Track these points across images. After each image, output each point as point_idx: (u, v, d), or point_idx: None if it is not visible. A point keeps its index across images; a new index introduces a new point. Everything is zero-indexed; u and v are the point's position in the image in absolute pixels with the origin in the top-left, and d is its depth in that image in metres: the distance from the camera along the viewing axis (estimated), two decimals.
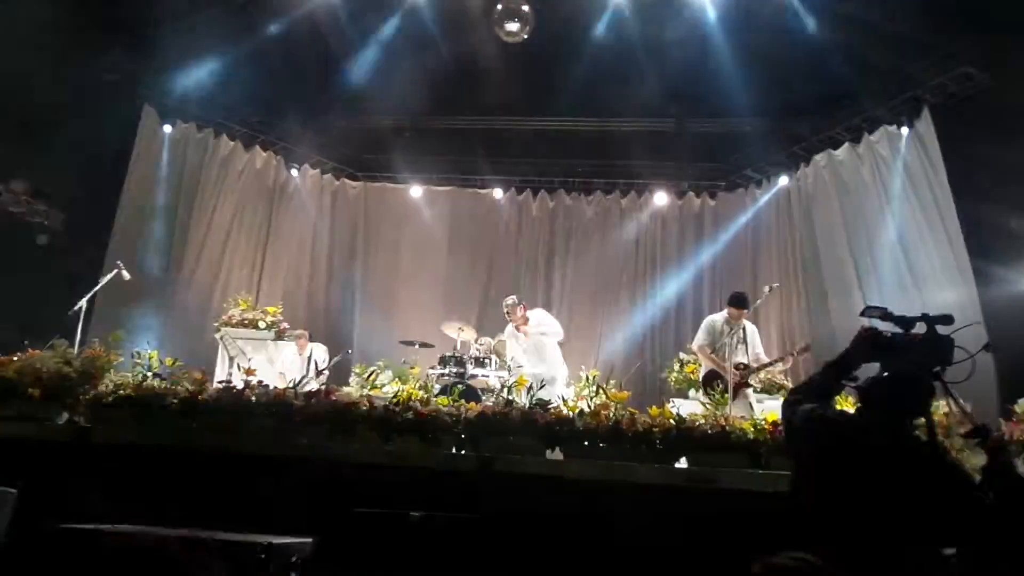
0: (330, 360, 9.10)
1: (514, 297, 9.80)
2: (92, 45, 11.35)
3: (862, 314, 3.63)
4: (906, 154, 11.16)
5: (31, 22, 9.76)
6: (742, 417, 6.33)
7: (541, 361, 9.13)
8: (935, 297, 10.30)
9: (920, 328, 3.31)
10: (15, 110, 10.30)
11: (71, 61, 10.94)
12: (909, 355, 3.15)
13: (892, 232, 11.05)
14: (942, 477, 2.76)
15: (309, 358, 9.01)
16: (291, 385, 6.54)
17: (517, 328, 9.45)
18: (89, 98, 11.75)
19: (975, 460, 5.93)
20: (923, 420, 3.03)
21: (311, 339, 10.58)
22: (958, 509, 2.70)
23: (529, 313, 9.63)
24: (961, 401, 3.43)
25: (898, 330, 3.34)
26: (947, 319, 3.33)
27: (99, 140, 11.76)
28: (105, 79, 12.02)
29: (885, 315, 3.50)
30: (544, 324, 9.52)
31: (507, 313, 9.58)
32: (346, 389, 7.56)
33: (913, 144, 11.09)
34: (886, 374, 3.08)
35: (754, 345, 8.06)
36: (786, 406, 3.34)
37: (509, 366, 9.44)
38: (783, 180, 13.22)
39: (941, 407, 6.04)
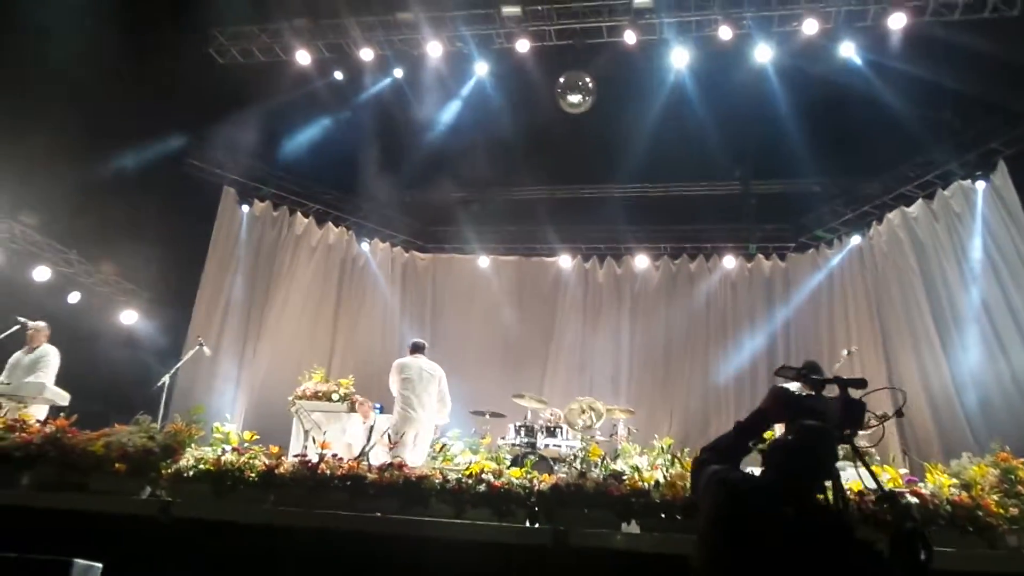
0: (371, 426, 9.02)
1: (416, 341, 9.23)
2: (175, 131, 12.05)
3: (776, 374, 3.51)
4: (983, 209, 10.86)
5: (117, 110, 10.42)
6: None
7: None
8: (1022, 358, 9.86)
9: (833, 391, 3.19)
10: (104, 194, 10.91)
11: (156, 146, 11.61)
12: (821, 418, 3.01)
13: (973, 291, 10.67)
14: (844, 544, 2.63)
15: (371, 428, 8.99)
16: (357, 456, 6.58)
17: None
18: (173, 181, 12.42)
19: None
20: (830, 484, 2.89)
21: (383, 411, 10.67)
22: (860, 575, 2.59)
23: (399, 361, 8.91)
24: (869, 465, 3.28)
25: (811, 392, 3.22)
26: (860, 382, 3.19)
27: (182, 221, 12.37)
28: (187, 164, 12.71)
29: (799, 375, 3.40)
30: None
31: None
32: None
33: (990, 198, 10.79)
34: (791, 437, 2.93)
35: None
36: (695, 465, 3.20)
37: (580, 435, 9.35)
38: (855, 239, 12.96)
39: (1019, 470, 5.74)
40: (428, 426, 8.51)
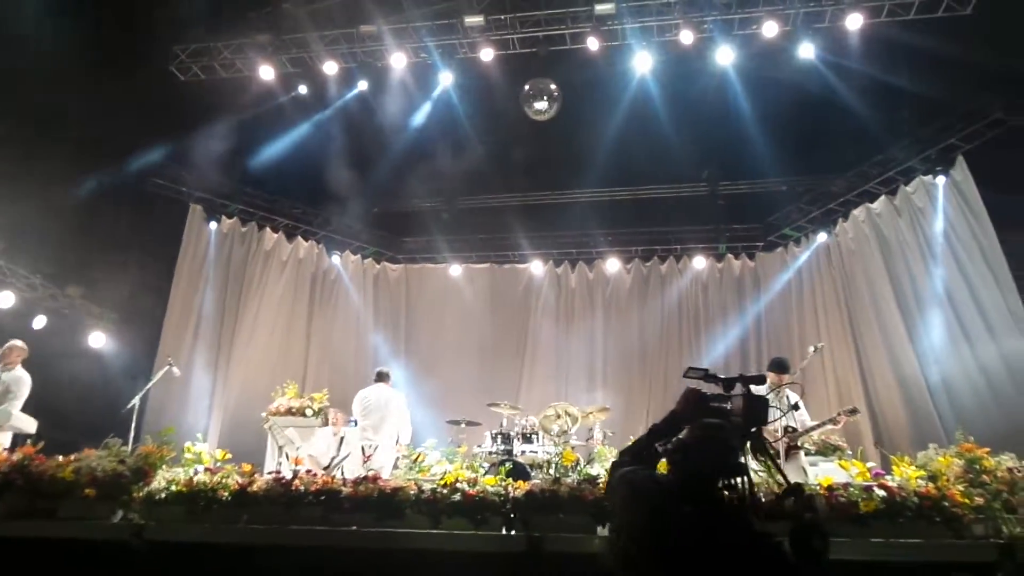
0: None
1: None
2: (138, 150, 11.95)
3: (685, 375, 3.63)
4: (944, 203, 11.08)
5: (79, 131, 10.32)
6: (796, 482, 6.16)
7: None
8: (989, 347, 10.06)
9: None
10: (68, 217, 10.78)
11: (119, 166, 11.50)
12: (726, 416, 3.14)
13: (938, 282, 10.88)
14: (743, 539, 2.69)
15: (341, 439, 9.02)
16: (325, 467, 6.58)
17: None
18: (139, 201, 12.31)
19: None
20: (739, 480, 2.97)
21: (358, 424, 10.64)
22: (758, 570, 2.64)
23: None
24: (776, 459, 3.40)
25: (719, 390, 3.36)
26: (760, 379, 3.35)
27: (149, 240, 12.26)
28: (151, 183, 12.60)
29: (707, 376, 3.50)
30: None
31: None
32: (394, 472, 7.56)
33: (951, 192, 11.02)
34: (690, 436, 3.03)
35: (799, 411, 7.87)
36: (612, 468, 3.30)
37: (555, 441, 9.38)
38: (822, 237, 13.14)
39: (1004, 462, 5.86)
40: (388, 447, 8.87)
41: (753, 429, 3.20)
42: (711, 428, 3.01)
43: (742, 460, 3.00)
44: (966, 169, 10.86)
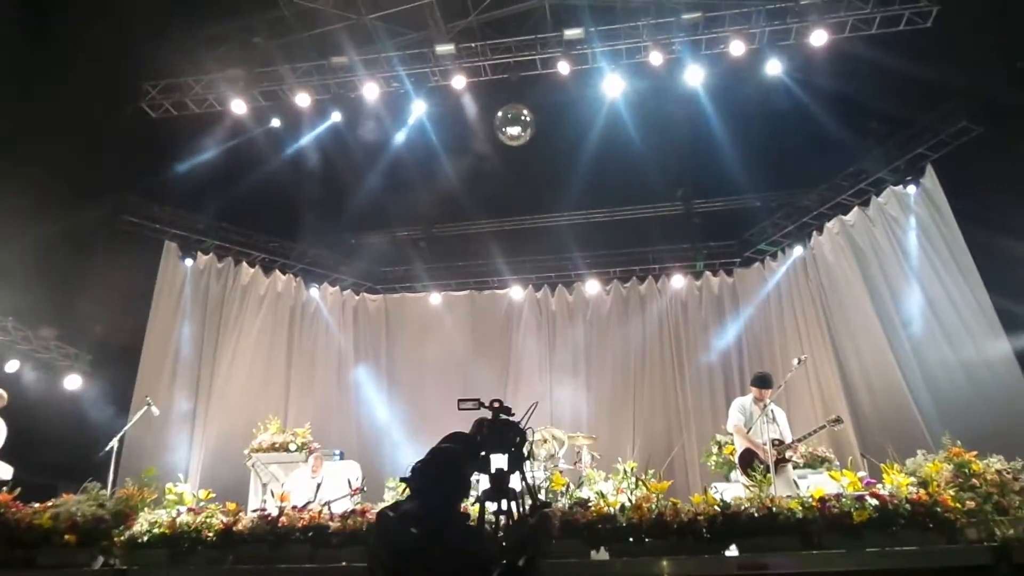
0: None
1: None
2: (109, 189, 11.81)
3: (458, 406, 3.76)
4: (916, 210, 11.28)
5: (49, 168, 10.17)
6: (787, 496, 6.14)
7: None
8: (968, 348, 10.19)
9: None
10: (39, 258, 10.60)
11: (90, 207, 11.35)
12: (467, 441, 3.32)
13: (915, 288, 11.02)
14: (457, 558, 2.80)
15: (319, 485, 8.76)
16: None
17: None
18: (111, 239, 12.15)
19: None
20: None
21: (343, 458, 10.50)
22: None
23: None
24: (530, 479, 3.58)
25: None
26: (506, 409, 3.51)
27: (123, 279, 12.07)
28: (124, 220, 12.44)
29: (479, 405, 3.62)
30: None
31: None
32: (381, 506, 7.43)
33: (922, 200, 11.21)
34: (424, 460, 3.14)
35: (782, 426, 7.89)
36: None
37: (543, 466, 9.30)
38: (798, 251, 13.25)
39: (993, 464, 5.87)
40: None
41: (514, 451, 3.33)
42: (436, 451, 3.16)
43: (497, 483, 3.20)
44: (935, 177, 11.05)
